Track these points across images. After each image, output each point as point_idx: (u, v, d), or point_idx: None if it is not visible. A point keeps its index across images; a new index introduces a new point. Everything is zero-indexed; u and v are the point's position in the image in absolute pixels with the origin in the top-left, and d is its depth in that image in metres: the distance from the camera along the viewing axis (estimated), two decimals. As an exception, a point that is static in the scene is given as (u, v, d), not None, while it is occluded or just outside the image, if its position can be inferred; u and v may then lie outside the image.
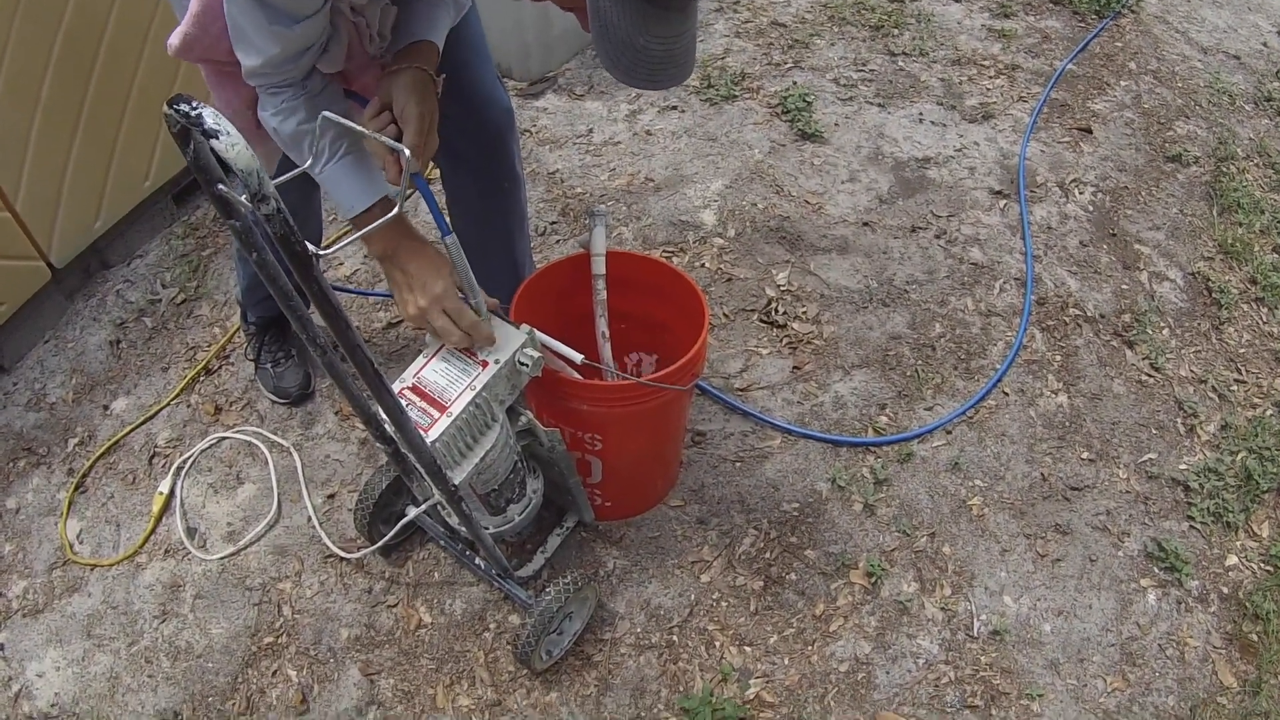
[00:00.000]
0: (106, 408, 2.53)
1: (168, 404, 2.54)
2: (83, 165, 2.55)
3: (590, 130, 3.09)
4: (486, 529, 1.84)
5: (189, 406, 2.54)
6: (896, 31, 3.56)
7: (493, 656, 2.03)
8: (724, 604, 2.07)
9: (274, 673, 2.06)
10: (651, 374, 2.12)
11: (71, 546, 2.28)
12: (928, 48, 3.48)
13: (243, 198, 0.99)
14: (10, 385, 2.58)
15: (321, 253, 1.11)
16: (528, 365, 1.60)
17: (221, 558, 2.23)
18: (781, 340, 2.51)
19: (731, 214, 2.81)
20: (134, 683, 2.09)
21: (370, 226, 1.29)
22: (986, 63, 3.42)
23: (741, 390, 2.42)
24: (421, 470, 1.54)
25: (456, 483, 1.58)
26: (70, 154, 2.50)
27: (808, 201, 2.83)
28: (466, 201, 2.10)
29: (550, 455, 1.85)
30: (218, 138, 0.92)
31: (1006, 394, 2.43)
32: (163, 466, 2.39)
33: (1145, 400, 2.46)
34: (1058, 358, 2.51)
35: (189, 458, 2.39)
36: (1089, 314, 2.62)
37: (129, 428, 2.48)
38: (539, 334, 1.67)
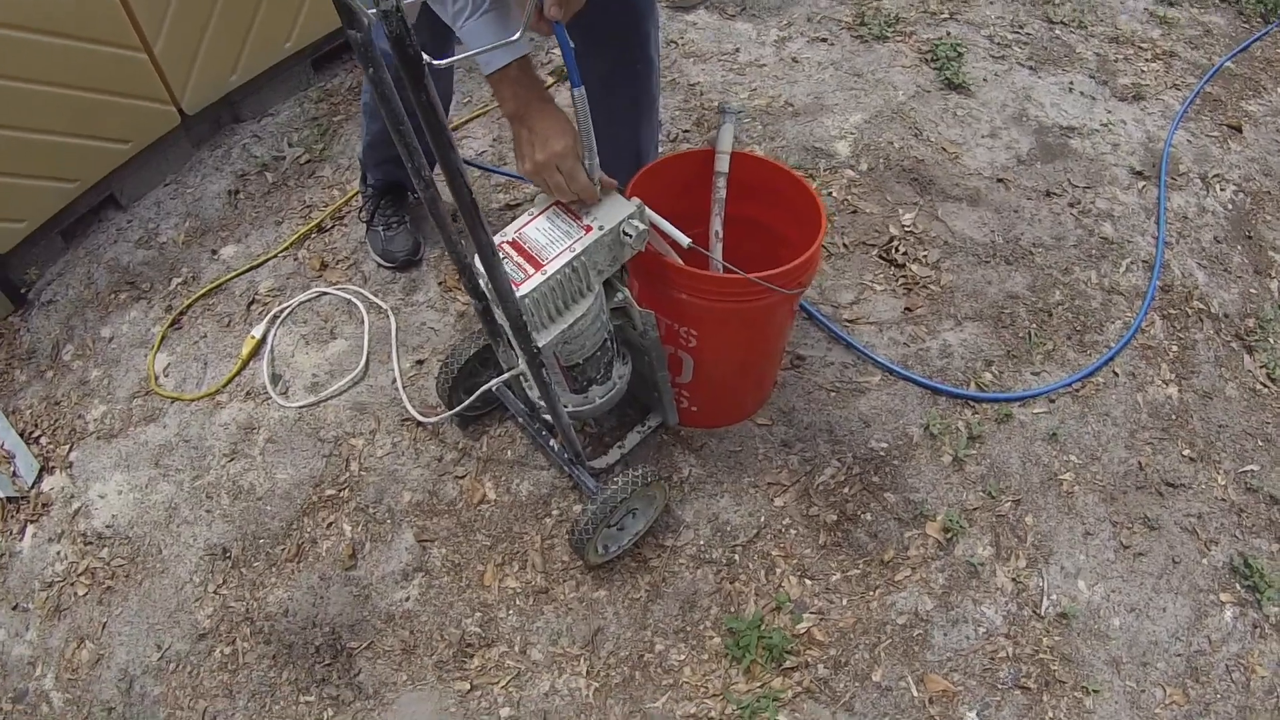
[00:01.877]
0: (215, 252, 2.59)
1: (276, 255, 2.58)
2: (226, 18, 2.59)
3: (737, 50, 3.02)
4: (566, 406, 1.79)
5: (296, 260, 2.57)
6: (1059, 1, 3.39)
7: (549, 543, 2.00)
8: (793, 532, 1.98)
9: (329, 525, 2.07)
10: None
11: (157, 378, 2.33)
12: (1087, 21, 3.30)
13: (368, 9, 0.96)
14: (124, 222, 2.65)
15: (435, 62, 1.07)
16: (631, 236, 1.53)
17: (300, 406, 2.26)
18: (897, 280, 2.40)
19: (866, 148, 2.70)
20: (191, 515, 2.13)
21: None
22: (1144, 45, 3.22)
23: (849, 321, 2.32)
24: (508, 328, 1.50)
25: (540, 345, 1.53)
26: (215, 5, 2.54)
27: (945, 149, 2.71)
28: (598, 76, 2.05)
29: (642, 341, 1.79)
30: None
31: (1116, 374, 2.27)
32: (259, 313, 2.43)
33: (1257, 409, 2.27)
34: (1174, 348, 2.34)
35: (287, 307, 2.42)
36: (1213, 310, 2.43)
37: (234, 273, 2.52)
38: (649, 211, 1.61)
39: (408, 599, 1.97)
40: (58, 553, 2.13)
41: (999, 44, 3.06)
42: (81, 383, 2.37)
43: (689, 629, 1.89)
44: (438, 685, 1.86)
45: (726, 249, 1.99)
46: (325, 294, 2.45)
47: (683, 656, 1.86)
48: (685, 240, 1.61)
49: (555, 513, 2.04)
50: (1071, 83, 3.02)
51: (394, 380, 2.26)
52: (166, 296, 2.51)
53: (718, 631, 1.88)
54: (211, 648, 1.96)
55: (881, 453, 2.09)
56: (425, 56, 1.07)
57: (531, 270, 1.50)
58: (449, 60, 1.13)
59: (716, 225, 1.97)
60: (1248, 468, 2.16)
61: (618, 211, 1.56)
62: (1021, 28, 3.21)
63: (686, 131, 2.75)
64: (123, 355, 2.42)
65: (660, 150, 2.57)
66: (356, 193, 2.65)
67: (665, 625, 1.89)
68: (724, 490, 2.05)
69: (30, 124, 2.32)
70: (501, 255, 1.54)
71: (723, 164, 1.89)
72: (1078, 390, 2.24)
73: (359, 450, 2.18)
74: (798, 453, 2.09)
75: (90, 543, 2.13)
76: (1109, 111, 2.93)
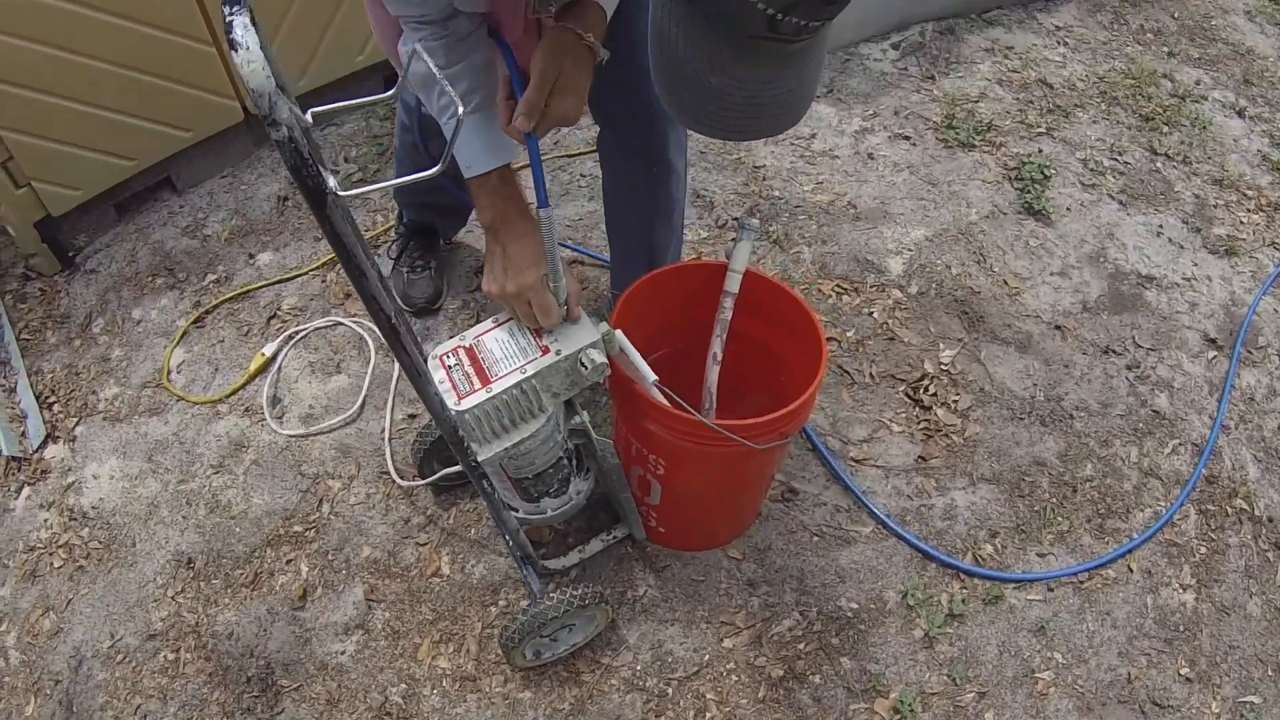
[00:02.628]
0: (252, 256, 2.64)
1: (306, 272, 2.62)
2: (300, 23, 2.63)
3: (814, 135, 2.89)
4: (516, 511, 1.75)
5: (323, 282, 2.60)
6: (1166, 129, 3.11)
7: (489, 632, 1.97)
8: (734, 678, 1.90)
9: (289, 561, 2.09)
10: (739, 419, 1.97)
11: (169, 373, 2.39)
12: (1193, 157, 3.03)
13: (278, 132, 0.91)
14: (177, 206, 2.72)
15: (340, 192, 1.02)
16: (587, 368, 1.47)
17: (290, 435, 2.28)
18: (919, 423, 2.27)
19: (921, 269, 2.56)
20: (168, 516, 2.18)
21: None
22: (1249, 193, 2.93)
23: (855, 460, 2.20)
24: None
25: (479, 459, 1.49)
26: (290, 9, 2.58)
27: (1006, 282, 2.54)
28: (612, 172, 2.01)
29: (602, 465, 1.73)
30: (236, 50, 0.84)
31: (1131, 569, 2.09)
32: (276, 330, 2.47)
33: (1276, 633, 2.06)
34: (1203, 549, 2.14)
35: (302, 330, 2.45)
36: (1256, 513, 2.21)
37: (264, 282, 2.57)
38: (621, 338, 1.54)
39: (343, 653, 1.97)
40: (45, 520, 2.21)
41: (1092, 169, 2.84)
42: (103, 359, 2.45)
43: (601, 755, 1.84)
44: (349, 747, 1.87)
45: (726, 365, 1.92)
46: (340, 324, 2.47)
47: (587, 783, 1.81)
48: (650, 377, 1.54)
49: (502, 603, 2.01)
50: (1161, 226, 2.79)
51: (383, 430, 2.26)
52: (198, 291, 2.57)
53: (627, 766, 1.82)
54: (158, 650, 2.01)
55: (850, 613, 1.98)
56: (331, 184, 1.02)
57: (478, 384, 1.46)
58: (357, 192, 1.07)
59: (716, 348, 1.88)
60: (1248, 698, 1.96)
61: (581, 338, 1.50)
62: (1121, 154, 2.98)
63: (737, 219, 2.66)
64: (146, 341, 2.49)
65: (685, 246, 2.50)
66: (391, 226, 2.67)
67: (579, 746, 1.84)
68: (676, 618, 1.98)
69: (97, 100, 2.40)
70: (453, 361, 1.51)
71: (733, 284, 1.80)
72: (1082, 581, 2.07)
73: (334, 493, 2.19)
74: (761, 595, 2.00)
75: (75, 519, 2.20)
76: (1195, 264, 2.70)
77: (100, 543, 2.16)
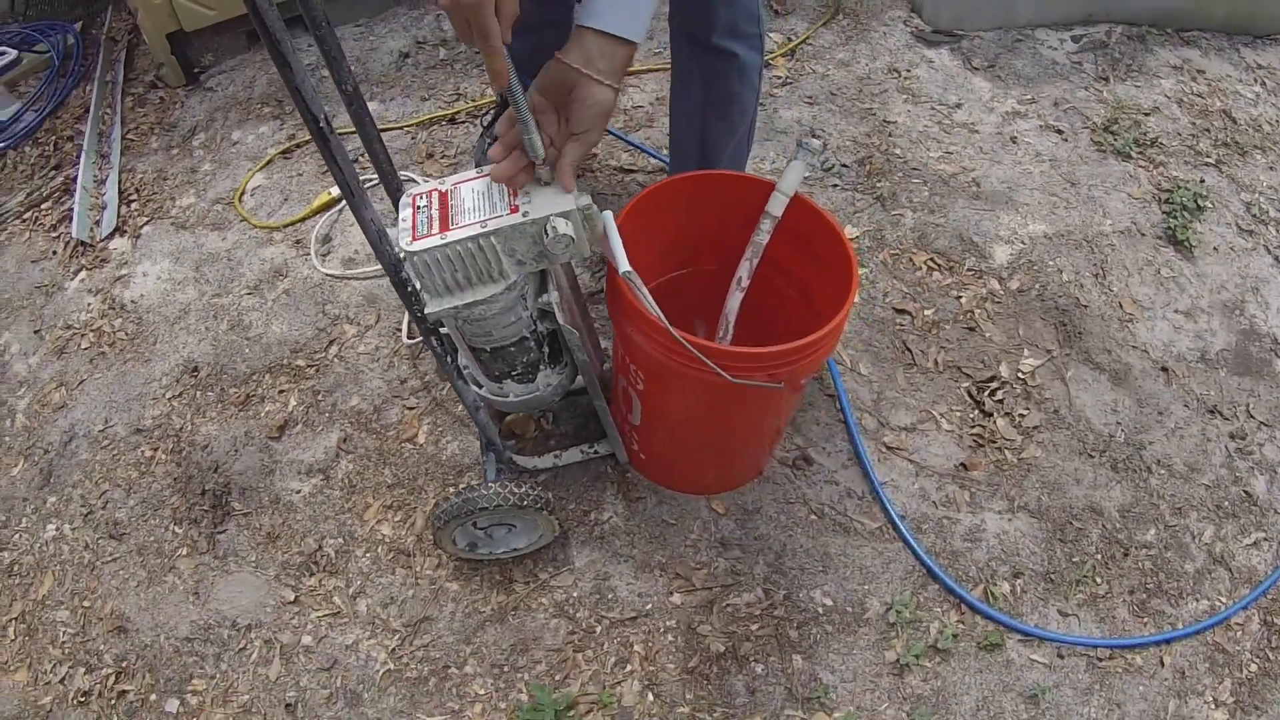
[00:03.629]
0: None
1: (400, 127, 2.50)
2: None
3: (958, 105, 2.52)
4: (480, 389, 1.59)
5: (413, 139, 2.47)
6: None
7: (439, 512, 1.82)
8: (669, 638, 1.64)
9: (280, 392, 1.99)
10: (737, 343, 1.68)
11: (243, 194, 2.35)
12: None
13: None
14: (305, 45, 2.62)
15: None
16: (549, 237, 1.28)
17: (326, 273, 2.17)
18: (972, 427, 1.92)
19: (1029, 265, 2.16)
20: (193, 325, 2.12)
21: None
22: None
23: (888, 447, 1.89)
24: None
25: (426, 312, 1.33)
26: None
27: (1122, 305, 2.10)
28: (674, 49, 1.80)
29: (575, 359, 1.54)
30: None
31: (1163, 663, 1.67)
32: (350, 174, 2.37)
33: None
34: (1254, 666, 1.68)
35: (371, 181, 2.32)
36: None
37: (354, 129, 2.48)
38: (607, 217, 1.34)
39: (298, 492, 1.84)
40: (88, 305, 2.20)
41: (1255, 215, 2.33)
42: (192, 170, 2.43)
43: (506, 669, 1.62)
44: (271, 583, 1.75)
45: (756, 298, 1.67)
46: (411, 179, 2.32)
47: (482, 692, 1.60)
48: (623, 267, 1.33)
49: (461, 484, 1.84)
50: (1315, 292, 2.27)
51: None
52: (295, 126, 2.49)
53: (527, 689, 1.62)
54: (139, 445, 1.97)
55: (820, 609, 1.68)
56: None
57: (436, 230, 1.30)
58: None
59: (743, 272, 1.63)
60: None
61: (556, 204, 1.30)
62: (1291, 211, 2.47)
63: (845, 166, 2.34)
64: (235, 161, 2.44)
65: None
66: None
67: (487, 652, 1.63)
68: (631, 555, 1.73)
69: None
70: (424, 203, 1.35)
71: (777, 206, 1.53)
72: (1101, 658, 1.66)
73: (346, 338, 2.06)
74: (730, 559, 1.72)
75: (113, 309, 2.18)
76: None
77: (126, 335, 2.13)
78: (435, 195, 1.33)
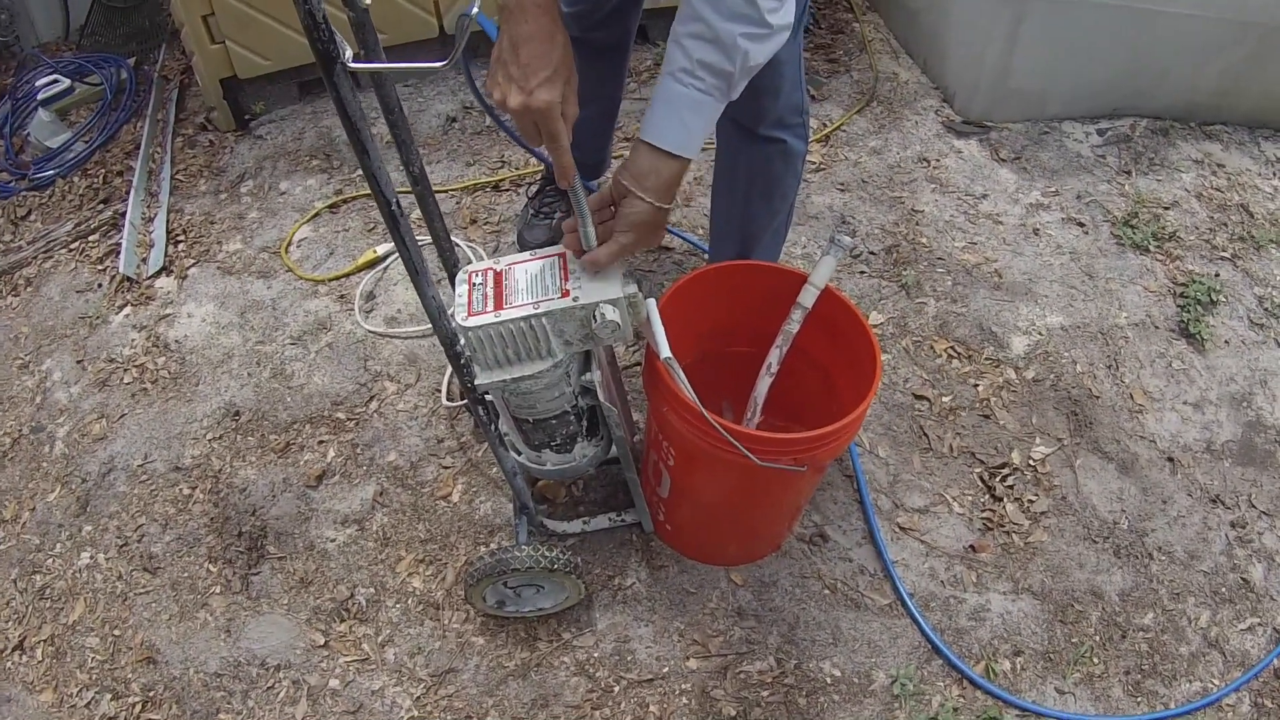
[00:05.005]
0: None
1: (445, 190, 2.65)
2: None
3: (984, 196, 2.68)
4: (519, 455, 1.71)
5: (456, 203, 2.63)
6: None
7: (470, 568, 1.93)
8: (683, 700, 1.76)
9: (320, 442, 2.12)
10: (763, 425, 1.83)
11: (290, 244, 2.49)
12: None
13: None
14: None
15: (350, 64, 1.01)
16: (597, 322, 1.40)
17: (370, 330, 2.32)
18: (982, 510, 2.04)
19: (1045, 356, 2.30)
20: (237, 369, 2.26)
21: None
22: None
23: (901, 528, 2.01)
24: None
25: (476, 383, 1.46)
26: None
27: (1133, 396, 2.24)
28: (720, 136, 1.92)
29: (611, 435, 1.66)
30: None
31: None
32: (395, 232, 2.51)
33: None
34: None
35: (421, 241, 2.46)
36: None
37: (403, 189, 2.60)
38: (650, 306, 1.47)
39: (333, 541, 1.98)
40: (132, 340, 2.35)
41: (1267, 309, 2.47)
42: (239, 216, 2.59)
43: (525, 724, 1.76)
44: (302, 626, 1.87)
45: (784, 384, 1.79)
46: (456, 245, 2.46)
47: (503, 747, 1.74)
48: (665, 351, 1.45)
49: (493, 545, 1.95)
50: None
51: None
52: (343, 181, 2.66)
53: (547, 747, 1.73)
54: (177, 482, 2.10)
55: (829, 679, 1.80)
56: (346, 55, 1.01)
57: (491, 307, 1.42)
58: (364, 66, 1.06)
59: (773, 358, 1.76)
60: None
61: (604, 291, 1.43)
62: (1304, 310, 2.61)
63: (874, 254, 2.49)
64: (282, 211, 2.60)
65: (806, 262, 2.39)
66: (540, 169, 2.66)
67: (508, 705, 1.75)
68: (652, 620, 1.85)
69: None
70: (479, 280, 1.48)
71: (808, 297, 1.68)
72: None
73: (386, 394, 2.20)
74: (746, 628, 1.84)
75: (157, 346, 2.33)
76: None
77: (169, 374, 2.27)
78: (490, 274, 1.46)
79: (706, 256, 2.38)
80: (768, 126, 1.79)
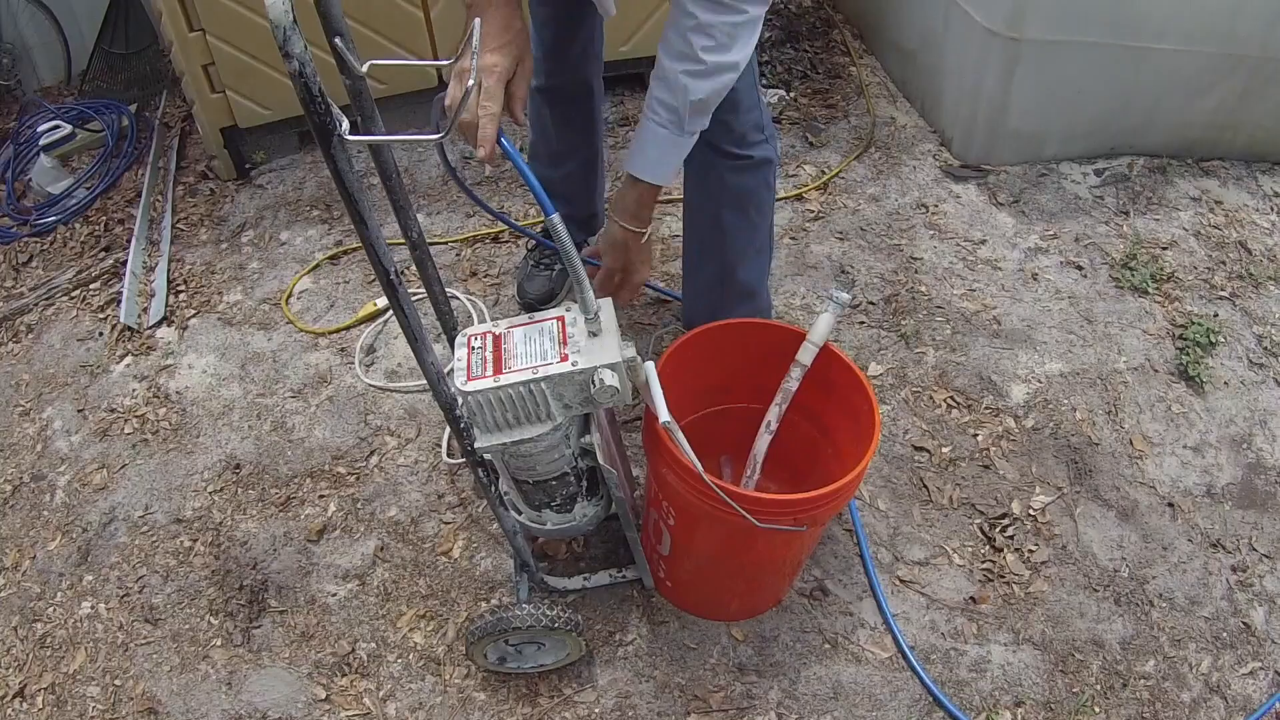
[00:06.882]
0: (402, 211, 2.75)
1: (444, 242, 2.71)
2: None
3: (983, 241, 2.73)
4: (519, 515, 1.74)
5: (457, 255, 2.69)
6: None
7: (470, 625, 1.96)
8: None
9: (320, 497, 2.16)
10: (758, 486, 1.88)
11: (290, 296, 2.54)
12: None
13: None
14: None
15: (347, 136, 1.06)
16: (596, 387, 1.44)
17: (370, 384, 2.37)
18: (983, 562, 2.07)
19: (1044, 404, 2.34)
20: (237, 422, 2.31)
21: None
22: None
23: (901, 580, 2.04)
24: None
25: (476, 446, 1.50)
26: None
27: (1133, 442, 2.28)
28: (693, 169, 1.99)
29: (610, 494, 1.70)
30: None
31: None
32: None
33: None
34: None
35: (417, 295, 2.51)
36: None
37: (403, 240, 2.65)
38: (649, 369, 1.50)
39: (334, 595, 2.01)
40: (133, 390, 2.41)
41: (1266, 348, 2.51)
42: (239, 267, 2.64)
43: (529, 785, 1.78)
44: (304, 679, 1.90)
45: (783, 441, 1.84)
46: (456, 298, 2.53)
47: (504, 806, 1.77)
48: (663, 417, 1.49)
49: (494, 601, 1.99)
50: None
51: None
52: (343, 232, 2.72)
53: (549, 806, 1.76)
54: (178, 534, 2.14)
55: (830, 734, 1.84)
56: (343, 127, 1.06)
57: (490, 372, 1.46)
58: (360, 138, 1.12)
59: (772, 416, 1.81)
60: None
61: (603, 355, 1.47)
62: (1303, 342, 2.66)
63: (873, 304, 2.54)
64: (282, 262, 2.66)
65: (799, 314, 2.46)
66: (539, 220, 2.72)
67: (512, 765, 1.80)
68: (653, 676, 1.88)
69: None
70: (479, 344, 1.52)
71: (807, 355, 1.73)
72: None
73: (387, 449, 2.25)
74: (746, 684, 1.87)
75: (158, 397, 2.38)
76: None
77: (170, 425, 2.32)
78: (490, 338, 1.50)
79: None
80: (731, 144, 1.87)
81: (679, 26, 1.49)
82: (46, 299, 2.69)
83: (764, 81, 3.24)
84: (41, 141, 3.12)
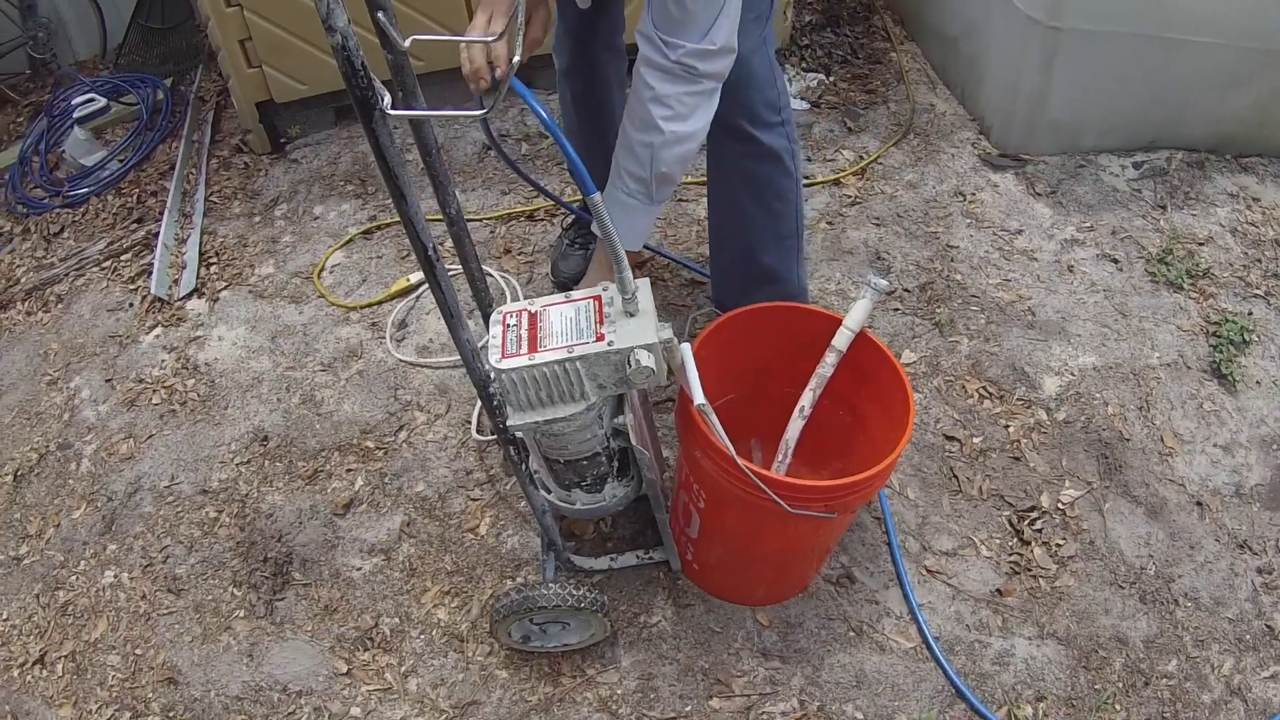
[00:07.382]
0: (435, 189, 2.76)
1: (479, 219, 2.71)
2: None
3: (1020, 231, 2.70)
4: (548, 494, 1.75)
5: (491, 232, 2.69)
6: None
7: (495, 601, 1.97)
8: None
9: (348, 470, 2.18)
10: (789, 471, 1.87)
11: (322, 270, 2.55)
12: None
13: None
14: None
15: (389, 110, 1.06)
16: (631, 367, 1.44)
17: (401, 359, 2.38)
18: (1010, 554, 2.06)
19: (1076, 398, 2.32)
20: (266, 394, 2.33)
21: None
22: None
23: (928, 570, 2.03)
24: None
25: (509, 424, 1.50)
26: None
27: (1163, 439, 2.25)
28: (712, 152, 1.99)
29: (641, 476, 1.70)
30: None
31: None
32: (427, 260, 2.57)
33: None
34: None
35: (454, 270, 2.52)
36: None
37: (438, 217, 2.66)
38: (685, 350, 1.50)
39: (359, 569, 2.03)
40: (162, 361, 2.43)
41: None
42: (273, 240, 2.66)
43: (550, 763, 1.79)
44: (325, 653, 1.92)
45: (816, 427, 1.83)
46: (490, 275, 2.53)
47: (526, 783, 1.77)
48: (699, 398, 1.49)
49: (519, 579, 1.99)
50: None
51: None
52: (377, 207, 2.73)
53: (571, 784, 1.76)
54: (204, 504, 2.16)
55: (853, 722, 1.84)
56: (385, 101, 1.06)
57: (525, 349, 1.46)
58: (402, 113, 1.12)
59: (805, 401, 1.80)
60: None
61: (639, 336, 1.47)
62: (1342, 336, 2.61)
63: (907, 291, 2.52)
64: (315, 236, 2.67)
65: (833, 299, 2.45)
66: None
67: (532, 743, 1.81)
68: (676, 659, 1.89)
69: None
70: (514, 321, 1.52)
71: (842, 340, 1.72)
72: None
73: (416, 424, 2.26)
74: (770, 669, 1.87)
75: (187, 368, 2.40)
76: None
77: (198, 396, 2.34)
78: (525, 315, 1.50)
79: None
80: (744, 120, 1.85)
81: (640, 97, 1.56)
82: (77, 269, 2.72)
83: (804, 65, 3.25)
84: (75, 114, 3.15)
